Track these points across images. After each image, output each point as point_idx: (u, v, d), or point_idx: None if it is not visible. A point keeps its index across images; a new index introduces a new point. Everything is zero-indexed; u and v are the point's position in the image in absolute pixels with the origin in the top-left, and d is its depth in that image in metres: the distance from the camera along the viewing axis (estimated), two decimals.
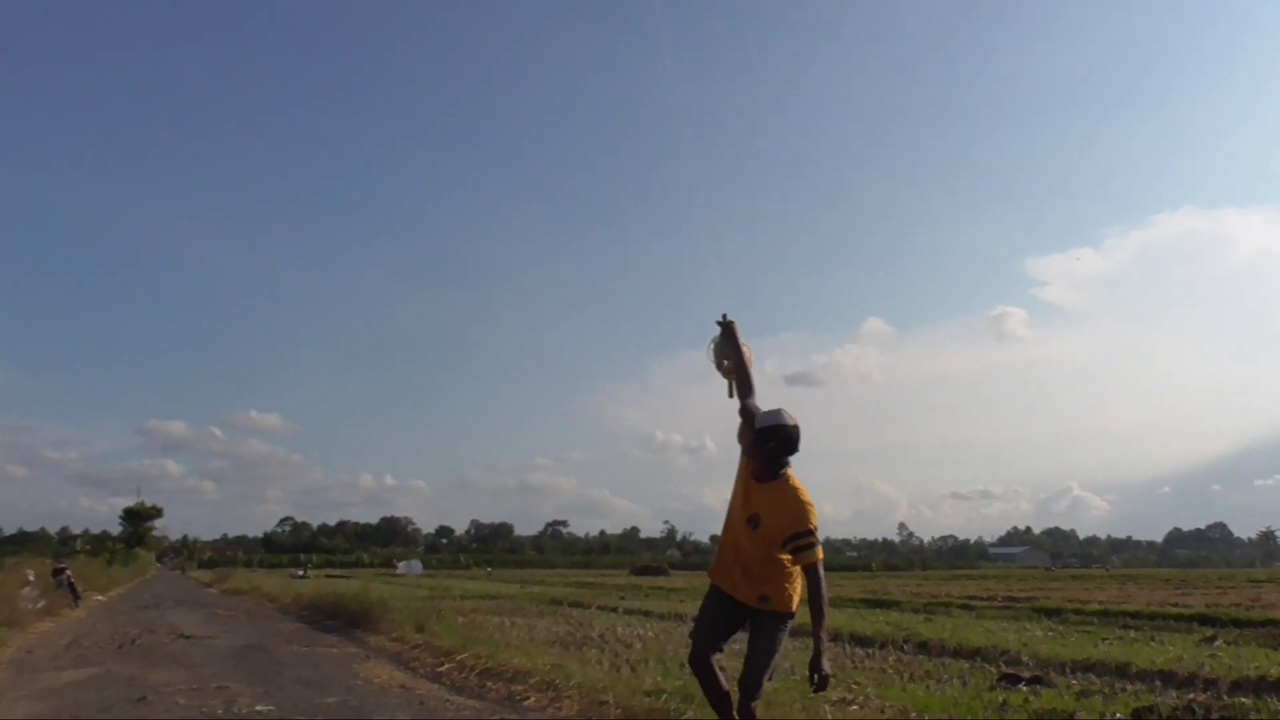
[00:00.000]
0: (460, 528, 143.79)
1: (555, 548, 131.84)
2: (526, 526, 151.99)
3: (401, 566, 61.04)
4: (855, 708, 6.33)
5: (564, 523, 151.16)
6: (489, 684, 6.82)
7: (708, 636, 4.32)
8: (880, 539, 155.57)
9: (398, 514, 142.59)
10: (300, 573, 49.97)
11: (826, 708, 6.06)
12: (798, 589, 4.22)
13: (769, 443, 4.12)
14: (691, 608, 18.79)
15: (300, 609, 17.31)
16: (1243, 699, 6.72)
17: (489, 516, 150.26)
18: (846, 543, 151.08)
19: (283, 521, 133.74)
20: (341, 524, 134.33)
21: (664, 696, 5.70)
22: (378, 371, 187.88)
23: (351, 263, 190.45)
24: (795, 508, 4.13)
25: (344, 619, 13.43)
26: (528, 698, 6.13)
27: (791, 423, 4.17)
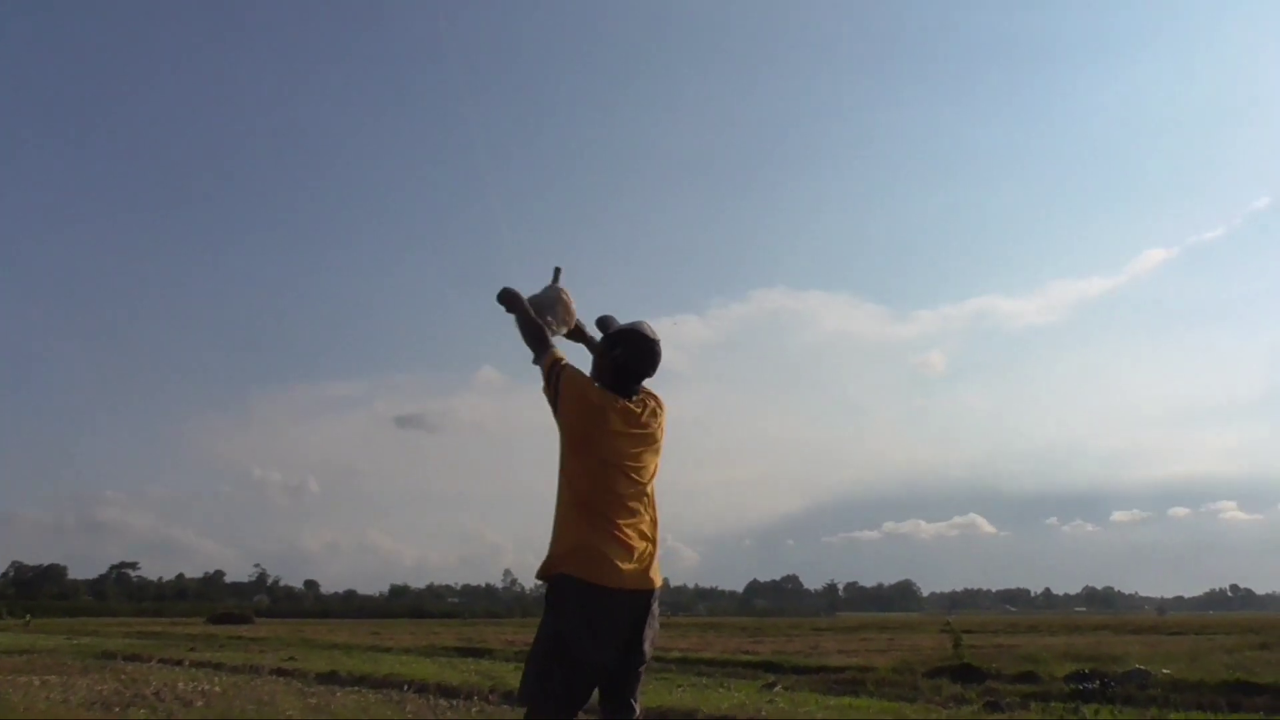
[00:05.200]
0: None
1: (120, 593, 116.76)
2: (85, 569, 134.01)
3: None
4: None
5: (133, 564, 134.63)
6: None
7: (580, 697, 3.13)
8: (484, 584, 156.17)
9: None
10: None
11: None
12: None
13: (616, 349, 3.45)
14: (273, 657, 17.26)
15: None
16: None
17: (36, 557, 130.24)
18: (449, 588, 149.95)
19: None
20: None
21: None
22: None
23: None
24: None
25: None
26: None
27: (651, 333, 3.49)
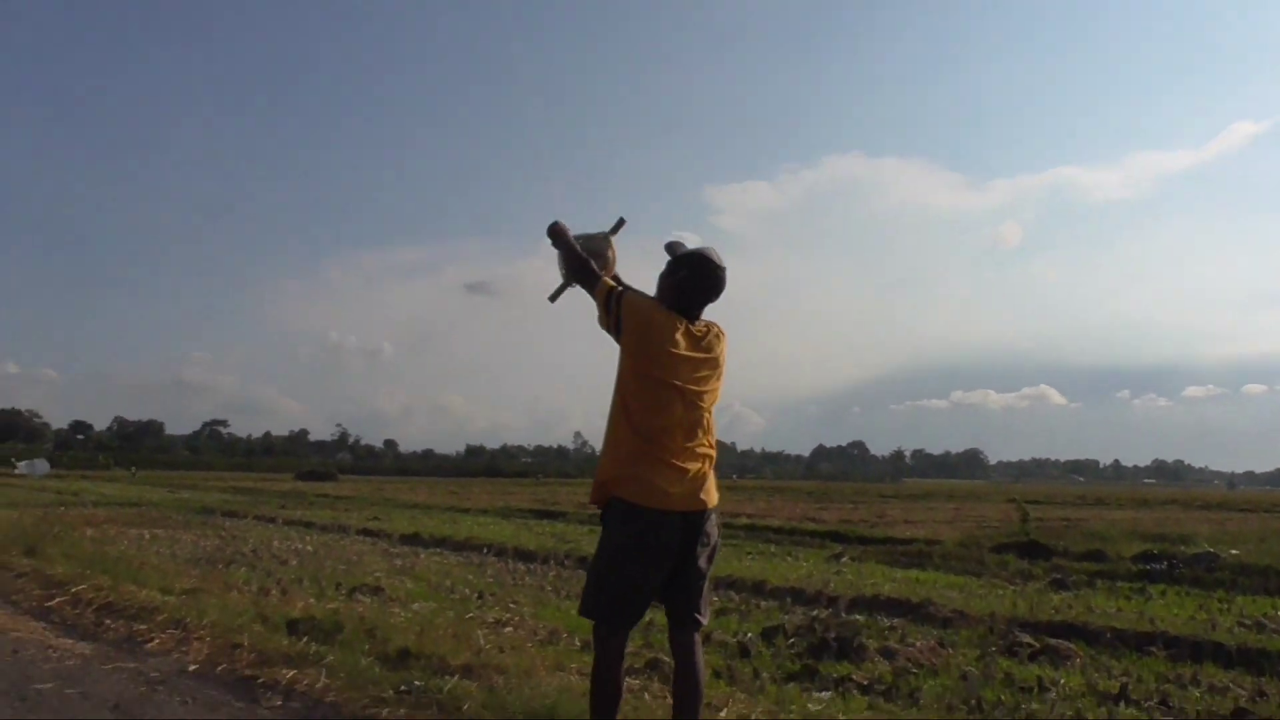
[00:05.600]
0: (101, 424, 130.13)
1: (213, 449, 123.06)
2: (180, 425, 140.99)
3: (22, 466, 53.76)
4: (510, 630, 6.31)
5: (224, 422, 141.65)
6: (107, 622, 6.01)
7: (635, 611, 3.30)
8: (555, 445, 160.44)
9: (20, 406, 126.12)
10: None
11: (480, 632, 5.97)
12: None
13: (680, 270, 3.42)
14: (358, 516, 18.19)
15: None
16: (857, 616, 7.47)
17: (135, 413, 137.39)
18: (522, 449, 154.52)
19: None
20: None
21: (304, 639, 5.29)
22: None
23: None
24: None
25: None
26: (151, 639, 5.45)
27: (716, 259, 3.44)
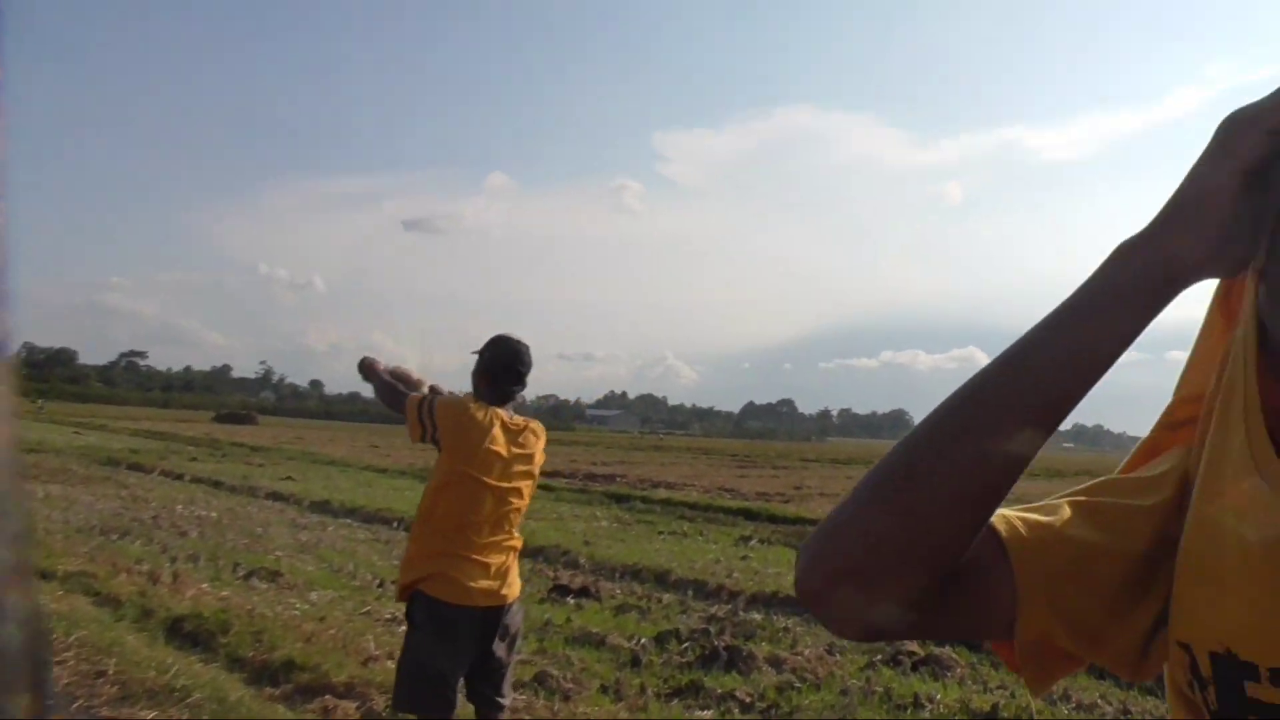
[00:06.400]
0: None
1: (129, 382, 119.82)
2: (95, 355, 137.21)
3: None
4: (405, 627, 6.28)
5: (142, 354, 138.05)
6: None
7: (445, 703, 3.33)
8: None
9: None
10: None
11: (372, 634, 5.93)
12: None
13: (485, 353, 3.54)
14: (272, 475, 17.88)
15: None
16: (755, 614, 7.60)
17: (46, 340, 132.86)
18: (453, 395, 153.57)
19: None
20: None
21: (182, 651, 5.17)
22: None
23: None
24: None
25: None
26: None
27: (516, 338, 3.57)
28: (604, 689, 5.43)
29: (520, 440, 3.50)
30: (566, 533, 11.71)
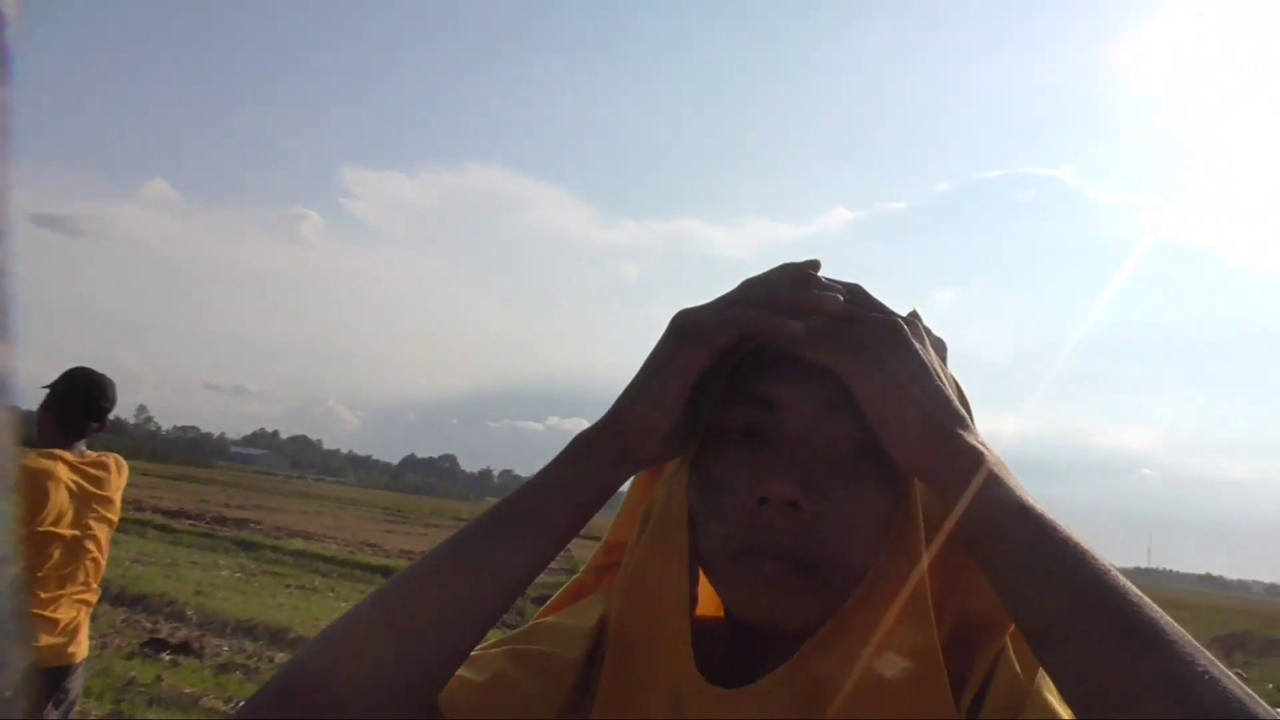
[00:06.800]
0: None
1: None
2: None
3: None
4: None
5: None
6: None
7: None
8: (113, 416, 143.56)
9: None
10: None
11: None
12: None
13: (58, 385, 3.13)
14: None
15: None
16: None
17: None
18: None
19: None
20: None
21: None
22: None
23: None
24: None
25: None
26: None
27: (98, 373, 3.23)
28: None
29: (95, 479, 3.14)
30: (178, 580, 10.66)
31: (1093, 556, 0.56)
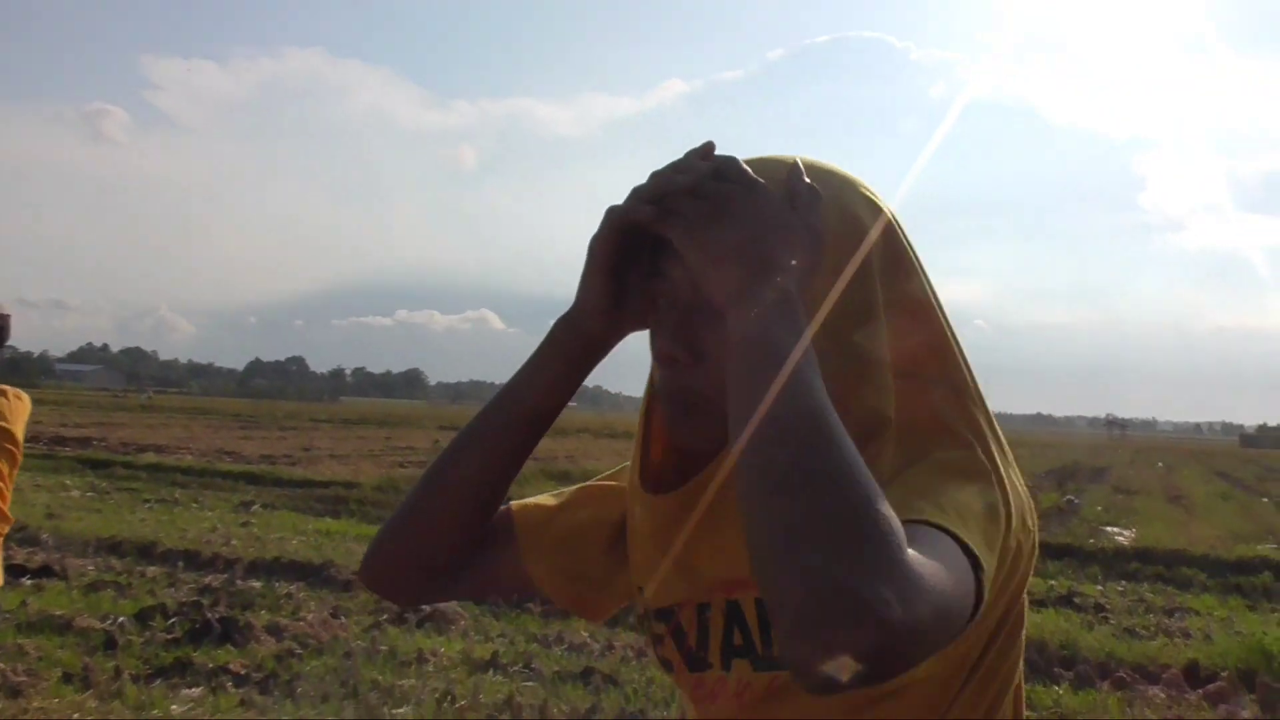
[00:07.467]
0: None
1: None
2: None
3: None
4: None
5: None
6: None
7: None
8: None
9: None
10: None
11: None
12: None
13: None
14: None
15: None
16: (255, 583, 7.17)
17: None
18: None
19: None
20: None
21: None
22: None
23: None
24: None
25: None
26: None
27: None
28: (68, 678, 4.79)
29: None
30: (24, 505, 10.03)
31: (795, 400, 0.65)
